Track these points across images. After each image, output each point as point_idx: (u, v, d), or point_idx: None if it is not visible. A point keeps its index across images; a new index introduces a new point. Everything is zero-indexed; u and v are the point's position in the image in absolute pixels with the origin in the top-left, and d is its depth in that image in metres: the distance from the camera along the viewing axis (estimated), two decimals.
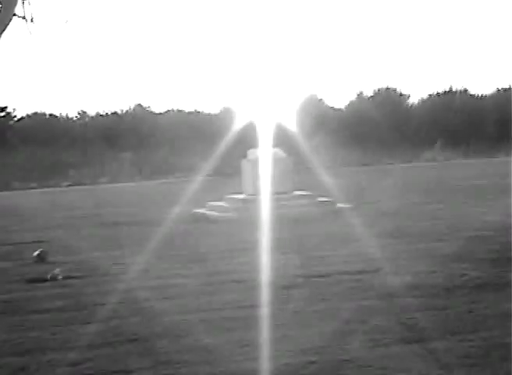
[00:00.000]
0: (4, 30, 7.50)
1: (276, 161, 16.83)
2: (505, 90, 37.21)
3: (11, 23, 7.59)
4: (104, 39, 58.85)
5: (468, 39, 57.66)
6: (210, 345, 6.06)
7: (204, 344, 6.11)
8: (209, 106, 52.22)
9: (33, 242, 12.76)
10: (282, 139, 21.82)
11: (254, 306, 7.21)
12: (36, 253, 11.04)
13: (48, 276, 9.38)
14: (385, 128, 31.34)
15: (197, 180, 21.61)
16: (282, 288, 8.00)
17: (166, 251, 11.15)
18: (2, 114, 38.69)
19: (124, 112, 36.94)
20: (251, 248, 10.80)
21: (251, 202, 15.80)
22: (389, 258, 9.49)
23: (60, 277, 9.37)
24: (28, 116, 39.51)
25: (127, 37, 59.81)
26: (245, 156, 17.71)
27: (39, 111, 39.79)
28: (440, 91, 38.08)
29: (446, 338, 5.96)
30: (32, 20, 7.53)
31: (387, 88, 38.33)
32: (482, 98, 38.64)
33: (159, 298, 7.90)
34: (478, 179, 23.19)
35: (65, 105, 59.79)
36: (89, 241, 13.03)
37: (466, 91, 39.25)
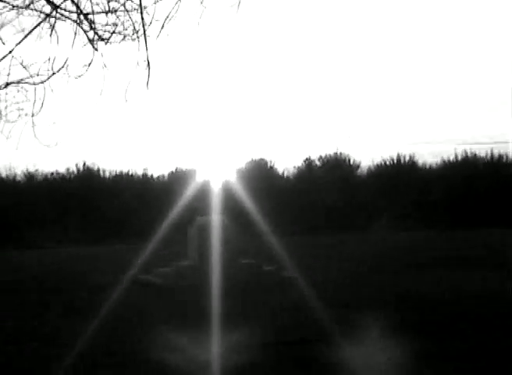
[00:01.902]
0: None
1: (222, 228, 16.84)
2: (450, 162, 37.79)
3: None
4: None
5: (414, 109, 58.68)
6: None
7: None
8: (158, 169, 52.02)
9: None
10: (230, 205, 21.83)
11: None
12: None
13: None
14: (332, 198, 31.59)
15: (145, 246, 21.48)
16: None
17: (108, 319, 11.01)
18: None
19: (72, 175, 36.76)
20: (193, 316, 10.74)
21: (196, 270, 15.77)
22: (329, 327, 9.48)
23: None
24: None
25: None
26: (192, 223, 17.70)
27: None
28: (388, 161, 38.50)
29: None
30: None
31: (336, 156, 38.54)
32: (430, 169, 39.04)
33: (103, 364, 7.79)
34: (424, 251, 23.36)
35: (12, 165, 59.10)
36: (27, 306, 12.83)
37: (414, 163, 39.63)
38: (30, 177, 36.66)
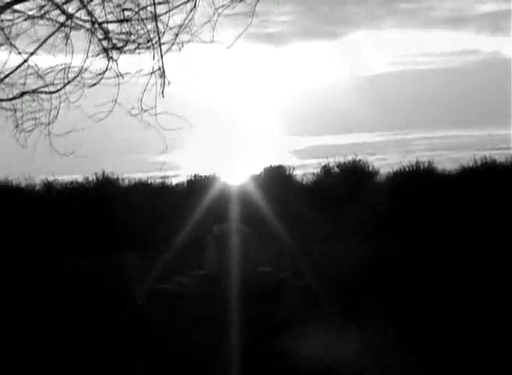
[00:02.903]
0: None
1: (240, 236, 16.78)
2: (470, 168, 37.32)
3: None
4: None
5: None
6: None
7: None
8: (177, 177, 51.71)
9: None
10: (248, 213, 21.74)
11: None
12: None
13: None
14: (350, 205, 31.44)
15: (163, 254, 21.46)
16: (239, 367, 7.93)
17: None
18: None
19: (91, 184, 36.78)
20: (209, 325, 10.71)
21: (214, 278, 15.72)
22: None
23: None
24: None
25: None
26: (210, 231, 17.65)
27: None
28: (407, 167, 38.14)
29: None
30: None
31: (354, 162, 38.24)
32: (449, 174, 38.41)
33: None
34: None
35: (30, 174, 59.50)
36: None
37: (432, 169, 39.11)
38: (48, 187, 36.73)
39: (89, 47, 8.00)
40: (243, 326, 10.46)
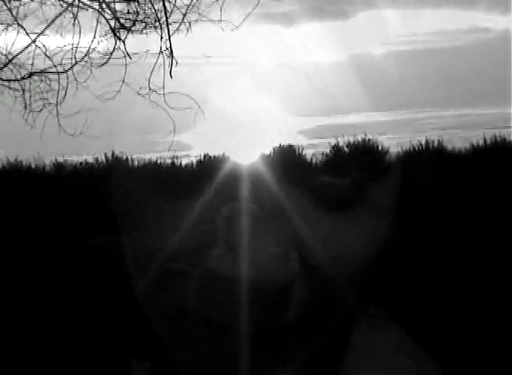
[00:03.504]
0: None
1: (251, 216, 16.76)
2: (481, 148, 37.19)
3: None
4: None
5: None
6: None
7: None
8: (187, 157, 51.67)
9: None
10: (259, 192, 21.72)
11: None
12: None
13: None
14: (360, 185, 31.42)
15: (173, 234, 21.48)
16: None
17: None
18: None
19: (101, 165, 36.85)
20: (218, 306, 10.71)
21: (224, 258, 15.72)
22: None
23: None
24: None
25: None
26: (219, 211, 17.65)
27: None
28: (416, 147, 38.06)
29: None
30: None
31: (364, 142, 38.21)
32: (459, 153, 38.22)
33: None
34: None
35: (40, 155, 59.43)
36: None
37: (443, 148, 38.98)
38: (58, 167, 36.83)
39: (97, 27, 8.01)
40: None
